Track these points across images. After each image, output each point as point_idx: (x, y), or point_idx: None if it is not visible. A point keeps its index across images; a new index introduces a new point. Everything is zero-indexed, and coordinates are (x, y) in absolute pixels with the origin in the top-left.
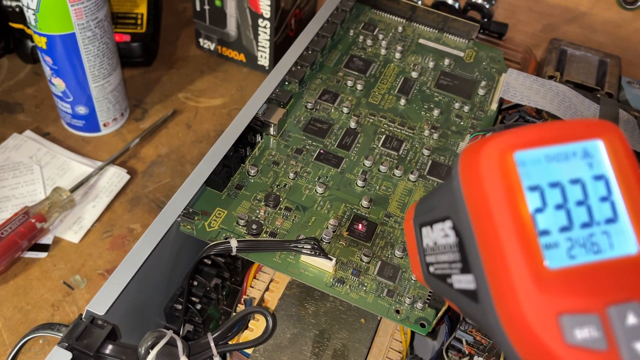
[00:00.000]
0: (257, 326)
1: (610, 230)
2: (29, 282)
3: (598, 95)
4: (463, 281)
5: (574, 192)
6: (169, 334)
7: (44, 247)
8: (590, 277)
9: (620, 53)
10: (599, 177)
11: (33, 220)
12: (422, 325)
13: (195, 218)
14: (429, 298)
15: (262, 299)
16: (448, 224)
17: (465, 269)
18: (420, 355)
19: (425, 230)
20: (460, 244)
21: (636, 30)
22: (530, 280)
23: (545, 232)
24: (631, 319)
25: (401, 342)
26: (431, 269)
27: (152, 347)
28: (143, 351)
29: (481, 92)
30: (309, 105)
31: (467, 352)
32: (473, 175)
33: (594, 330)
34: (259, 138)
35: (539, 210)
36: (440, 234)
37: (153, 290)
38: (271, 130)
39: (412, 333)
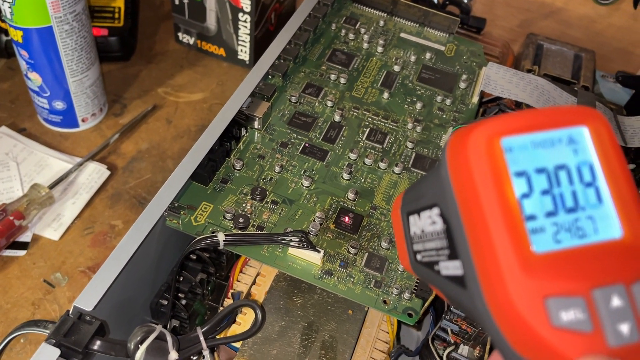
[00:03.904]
0: (245, 320)
1: (595, 215)
2: (8, 280)
3: (575, 89)
4: (450, 267)
5: (560, 178)
6: (159, 328)
7: (23, 245)
8: (575, 260)
9: (595, 48)
10: (583, 163)
11: (11, 218)
12: (410, 315)
13: (182, 212)
14: (416, 288)
15: (249, 293)
16: (435, 210)
17: (452, 255)
18: (406, 346)
19: (413, 219)
20: (448, 231)
21: (610, 25)
22: (517, 264)
23: (531, 217)
24: (615, 301)
25: (388, 332)
26: (418, 257)
27: (141, 342)
28: (132, 346)
29: (462, 85)
30: (293, 99)
31: (452, 341)
32: (460, 161)
33: (580, 313)
34: (243, 132)
35: (525, 196)
36: (427, 222)
37: (139, 285)
38: (256, 124)
39: (399, 324)
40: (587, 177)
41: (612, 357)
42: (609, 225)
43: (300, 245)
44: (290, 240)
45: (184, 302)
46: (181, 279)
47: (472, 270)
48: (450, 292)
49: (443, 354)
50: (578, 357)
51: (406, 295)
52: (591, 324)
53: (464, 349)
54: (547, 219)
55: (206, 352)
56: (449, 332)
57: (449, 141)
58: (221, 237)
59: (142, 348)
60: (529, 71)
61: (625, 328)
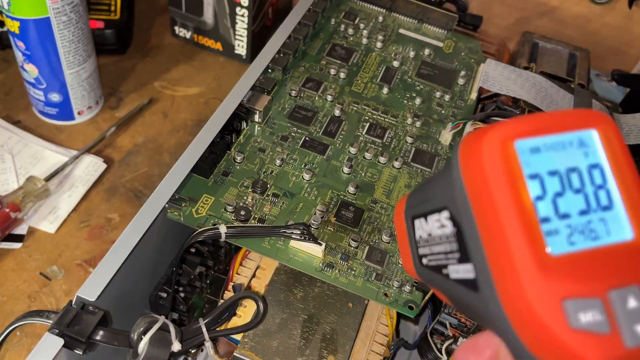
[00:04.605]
0: (245, 313)
1: (607, 217)
2: (3, 273)
3: (572, 86)
4: (461, 271)
5: (572, 181)
6: (162, 319)
7: (19, 238)
8: (590, 262)
9: (590, 47)
10: (594, 166)
11: (7, 210)
12: (411, 308)
13: (183, 205)
14: (417, 281)
15: (248, 286)
16: (445, 214)
17: (463, 259)
18: (405, 339)
19: (419, 222)
20: (459, 234)
21: (605, 25)
22: (534, 266)
23: (546, 219)
24: (632, 302)
25: (387, 325)
26: (424, 260)
27: (144, 332)
28: (136, 337)
29: (461, 81)
30: (293, 93)
31: (451, 335)
32: (474, 164)
33: (598, 314)
34: (244, 125)
35: (539, 198)
36: (435, 225)
37: (139, 278)
38: (256, 118)
39: (398, 318)
40: (598, 180)
41: None
42: (620, 227)
43: (302, 237)
44: (292, 232)
45: (182, 295)
46: (180, 271)
47: (487, 273)
48: (459, 295)
49: (442, 348)
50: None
51: (407, 288)
52: (609, 325)
53: (463, 342)
54: (561, 221)
55: (208, 344)
56: (448, 325)
57: (461, 144)
58: (223, 229)
59: (146, 338)
60: (525, 69)
61: None
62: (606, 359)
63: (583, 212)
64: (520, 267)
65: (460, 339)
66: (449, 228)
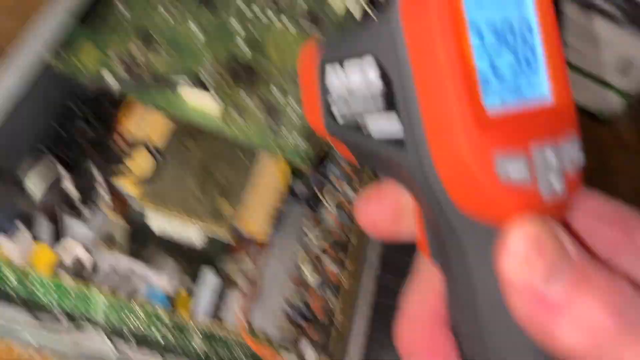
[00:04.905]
0: (137, 166)
1: (531, 76)
2: None
3: None
4: (384, 125)
5: (505, 34)
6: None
7: None
8: (516, 120)
9: None
10: (524, 20)
11: None
12: (302, 159)
13: (64, 54)
14: (309, 134)
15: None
16: (369, 59)
17: (388, 111)
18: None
19: (331, 69)
20: (387, 86)
21: None
22: (472, 121)
23: (482, 72)
24: (550, 158)
25: (279, 178)
26: (337, 114)
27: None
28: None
29: None
30: None
31: (338, 188)
32: (418, 7)
33: (524, 169)
34: None
35: (477, 49)
36: (356, 74)
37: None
38: None
39: (291, 173)
40: (527, 35)
41: (547, 213)
42: (541, 86)
43: (194, 85)
44: (184, 82)
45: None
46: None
47: (419, 128)
48: (380, 153)
49: (330, 201)
50: (521, 211)
51: (300, 140)
52: (531, 180)
53: (364, 190)
54: (494, 75)
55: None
56: (335, 178)
57: None
58: (112, 80)
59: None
60: None
61: (557, 184)
62: (528, 210)
63: (512, 68)
64: (459, 121)
65: (348, 189)
66: (374, 78)
